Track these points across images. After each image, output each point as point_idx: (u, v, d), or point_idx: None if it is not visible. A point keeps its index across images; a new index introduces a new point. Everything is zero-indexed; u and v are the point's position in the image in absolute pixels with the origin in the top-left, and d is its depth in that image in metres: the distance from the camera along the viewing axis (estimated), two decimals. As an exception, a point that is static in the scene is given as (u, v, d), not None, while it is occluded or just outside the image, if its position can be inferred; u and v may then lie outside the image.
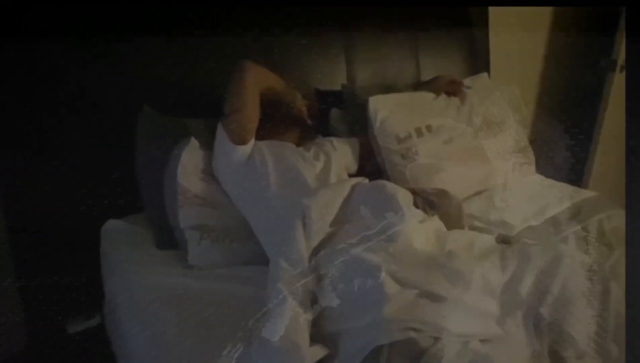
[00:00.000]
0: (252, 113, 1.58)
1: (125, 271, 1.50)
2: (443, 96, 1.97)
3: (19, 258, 1.61)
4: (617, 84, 2.40)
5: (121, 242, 1.62)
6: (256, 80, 1.59)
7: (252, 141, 1.58)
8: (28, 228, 1.57)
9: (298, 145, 1.71)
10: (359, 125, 1.89)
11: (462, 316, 1.15)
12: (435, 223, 1.42)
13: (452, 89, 1.98)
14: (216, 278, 1.42)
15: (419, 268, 1.21)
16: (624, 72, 2.37)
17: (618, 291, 1.35)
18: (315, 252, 1.30)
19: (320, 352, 1.09)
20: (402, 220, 1.32)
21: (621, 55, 2.35)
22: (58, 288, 1.50)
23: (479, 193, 1.90)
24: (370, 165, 1.81)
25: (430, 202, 1.59)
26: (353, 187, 1.46)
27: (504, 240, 1.56)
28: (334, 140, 1.79)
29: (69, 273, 1.50)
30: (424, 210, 1.52)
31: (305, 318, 1.15)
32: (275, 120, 1.67)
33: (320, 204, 1.37)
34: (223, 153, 1.56)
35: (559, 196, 1.85)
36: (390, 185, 1.45)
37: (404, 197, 1.41)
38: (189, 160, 1.56)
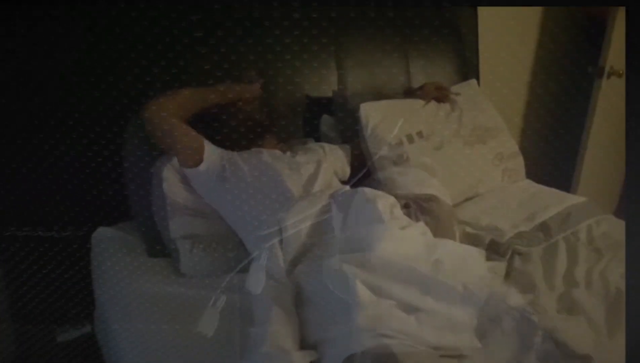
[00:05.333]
0: (185, 141, 1.52)
1: (116, 279, 1.49)
2: (433, 103, 1.98)
3: (8, 267, 1.60)
4: (604, 90, 2.43)
5: (112, 250, 1.60)
6: (169, 112, 1.48)
7: (213, 154, 1.54)
8: (18, 236, 1.55)
9: (278, 144, 1.71)
10: (350, 132, 1.89)
11: (437, 327, 1.15)
12: (419, 229, 1.41)
13: (440, 95, 2.00)
14: (208, 286, 1.41)
15: (396, 279, 1.21)
16: (610, 79, 2.40)
17: (609, 295, 1.37)
18: (295, 263, 1.32)
19: (309, 355, 1.10)
20: (380, 228, 1.32)
21: (608, 62, 2.38)
22: (48, 297, 1.49)
23: (469, 199, 1.92)
24: (362, 172, 1.81)
25: (422, 207, 1.60)
26: (332, 196, 1.46)
27: (496, 246, 1.57)
28: (325, 145, 1.79)
29: (59, 281, 1.48)
30: (415, 216, 1.52)
31: (292, 324, 1.16)
32: (235, 123, 1.64)
33: (294, 216, 1.38)
34: (189, 175, 1.56)
35: (548, 202, 1.86)
36: (370, 192, 1.44)
37: (384, 204, 1.40)
38: (172, 174, 1.56)
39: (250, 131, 1.64)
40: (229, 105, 1.62)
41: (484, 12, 2.32)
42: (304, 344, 1.15)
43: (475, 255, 1.39)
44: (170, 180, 1.55)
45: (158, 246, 1.56)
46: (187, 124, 1.54)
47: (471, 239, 1.60)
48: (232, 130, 1.61)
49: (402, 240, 1.31)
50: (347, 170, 1.79)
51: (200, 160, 1.52)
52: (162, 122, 1.48)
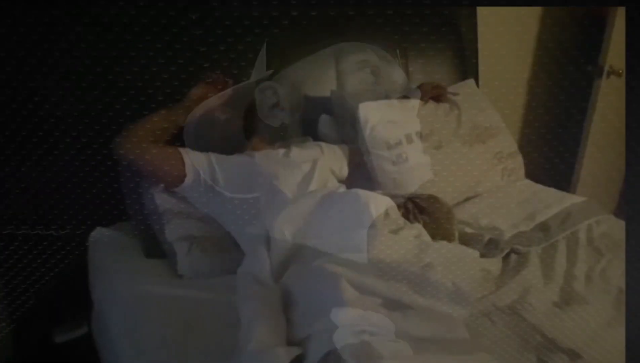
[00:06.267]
0: (164, 161, 1.51)
1: (113, 280, 1.49)
2: (432, 103, 1.97)
3: (4, 267, 1.59)
4: (604, 90, 2.42)
5: (109, 250, 1.60)
6: (139, 141, 1.48)
7: (197, 161, 1.53)
8: (14, 236, 1.55)
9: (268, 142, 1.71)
10: (348, 132, 1.88)
11: (424, 320, 1.16)
12: (414, 231, 1.41)
13: (437, 93, 1.99)
14: (206, 287, 1.41)
15: (385, 278, 1.22)
16: (610, 78, 2.40)
17: (608, 295, 1.37)
18: (285, 265, 1.32)
19: (294, 351, 1.10)
20: (371, 232, 1.31)
21: (608, 61, 2.37)
22: (45, 298, 1.48)
23: (469, 199, 1.91)
24: (360, 172, 1.80)
25: (421, 207, 1.59)
26: (324, 198, 1.46)
27: (494, 244, 1.57)
28: (324, 144, 1.78)
29: (57, 281, 1.48)
30: (414, 216, 1.52)
31: (279, 324, 1.17)
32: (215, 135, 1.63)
33: (281, 220, 1.38)
34: (179, 192, 1.56)
35: (548, 201, 1.86)
36: (364, 194, 1.44)
37: (378, 206, 1.40)
38: (162, 188, 1.56)
39: (232, 140, 1.63)
40: (205, 119, 1.60)
41: (483, 11, 2.32)
42: (290, 343, 1.15)
43: (469, 256, 1.39)
44: (161, 193, 1.55)
45: (155, 247, 1.55)
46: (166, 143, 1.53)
47: (470, 239, 1.60)
48: (213, 144, 1.60)
49: (392, 244, 1.31)
50: (345, 170, 1.78)
51: (184, 176, 1.51)
52: (135, 151, 1.47)
